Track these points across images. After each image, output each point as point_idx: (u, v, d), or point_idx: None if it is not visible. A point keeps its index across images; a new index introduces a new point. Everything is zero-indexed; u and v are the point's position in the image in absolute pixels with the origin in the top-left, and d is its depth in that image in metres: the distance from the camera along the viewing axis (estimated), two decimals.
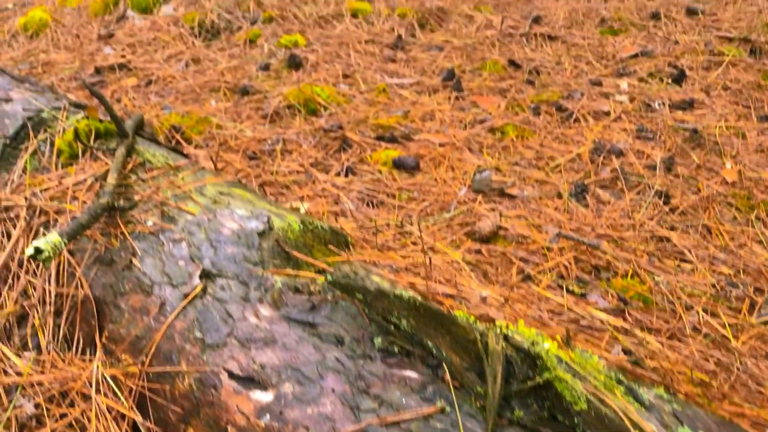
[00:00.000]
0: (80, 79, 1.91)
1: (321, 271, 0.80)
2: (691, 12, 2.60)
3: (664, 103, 1.86)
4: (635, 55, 2.25)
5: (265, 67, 2.00)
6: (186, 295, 0.75)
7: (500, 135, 1.66)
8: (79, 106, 1.15)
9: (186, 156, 1.10)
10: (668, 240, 1.23)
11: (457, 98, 1.89)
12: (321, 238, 0.89)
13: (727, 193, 1.42)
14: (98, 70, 2.02)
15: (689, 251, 1.19)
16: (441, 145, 1.58)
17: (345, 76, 1.99)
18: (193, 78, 1.94)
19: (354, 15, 2.41)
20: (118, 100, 1.81)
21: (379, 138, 1.61)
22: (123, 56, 2.14)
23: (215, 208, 0.88)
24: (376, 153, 1.52)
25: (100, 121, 1.07)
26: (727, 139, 1.67)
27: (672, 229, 1.27)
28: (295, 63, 2.01)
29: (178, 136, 1.55)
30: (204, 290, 0.75)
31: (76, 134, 1.04)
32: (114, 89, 1.88)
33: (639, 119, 1.77)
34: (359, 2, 2.48)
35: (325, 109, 1.78)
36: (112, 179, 0.91)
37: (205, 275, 0.77)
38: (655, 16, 2.57)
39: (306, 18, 2.35)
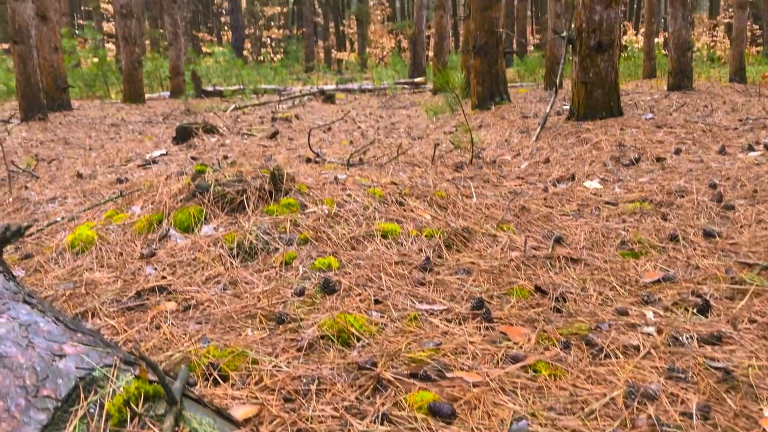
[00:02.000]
0: (123, 304, 1.98)
1: None
2: (708, 235, 2.70)
3: (692, 337, 1.88)
4: (658, 281, 2.31)
5: (300, 293, 2.07)
6: None
7: (533, 373, 1.67)
8: (129, 363, 1.19)
9: (229, 419, 1.12)
10: None
11: (487, 328, 1.92)
12: None
13: None
14: (139, 293, 2.10)
15: None
16: (475, 385, 1.59)
17: (377, 302, 2.05)
18: (231, 303, 2.01)
19: (384, 236, 2.53)
20: (158, 327, 1.87)
21: (413, 375, 1.63)
22: (163, 277, 2.23)
23: None
24: (411, 395, 1.52)
25: (150, 382, 1.11)
26: (761, 380, 1.67)
27: None
28: (328, 288, 2.08)
29: (215, 374, 1.58)
30: None
31: (126, 399, 1.07)
32: (154, 314, 1.95)
33: (669, 356, 1.79)
34: (388, 223, 2.61)
35: (359, 339, 1.82)
36: None
37: None
38: (674, 238, 2.67)
39: (339, 239, 2.46)
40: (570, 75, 5.35)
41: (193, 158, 4.70)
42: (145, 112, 11.09)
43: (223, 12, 34.52)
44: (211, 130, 5.33)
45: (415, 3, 17.81)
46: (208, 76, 20.39)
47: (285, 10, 35.21)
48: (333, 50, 37.96)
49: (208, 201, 2.65)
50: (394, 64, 22.31)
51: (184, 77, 14.32)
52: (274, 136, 5.46)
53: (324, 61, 38.34)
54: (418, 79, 18.12)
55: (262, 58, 28.03)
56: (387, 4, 37.22)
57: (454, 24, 35.06)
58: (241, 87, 16.42)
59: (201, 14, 39.02)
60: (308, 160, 4.16)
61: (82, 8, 33.64)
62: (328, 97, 12.34)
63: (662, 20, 26.64)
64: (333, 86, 17.86)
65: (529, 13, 32.97)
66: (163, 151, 4.98)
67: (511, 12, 25.59)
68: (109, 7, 28.23)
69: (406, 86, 17.78)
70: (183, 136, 5.23)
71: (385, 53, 34.73)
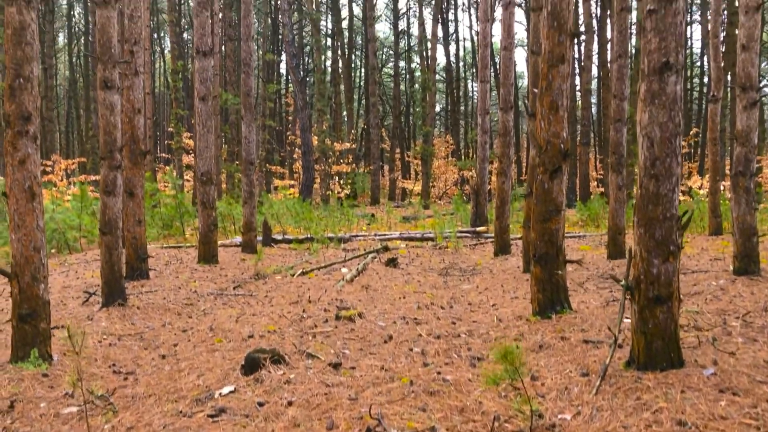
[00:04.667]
0: None
1: None
2: None
3: None
4: None
5: None
6: None
7: None
8: None
9: None
10: None
11: None
12: None
13: None
14: None
15: None
16: None
17: None
18: None
19: None
20: None
21: None
22: None
23: None
24: None
25: None
26: None
27: None
28: None
29: None
30: None
31: None
32: None
33: None
34: None
35: None
36: None
37: None
38: None
39: None
40: (630, 323, 5.41)
41: (260, 404, 4.90)
42: (217, 278, 11.62)
43: (296, 147, 36.38)
44: (277, 360, 5.58)
45: (478, 156, 18.41)
46: (277, 217, 21.30)
47: (354, 146, 36.87)
48: (398, 181, 39.12)
49: None
50: (457, 207, 22.79)
51: (256, 233, 15.01)
52: (336, 367, 5.66)
53: (389, 189, 39.53)
54: (479, 229, 18.46)
55: (329, 193, 29.19)
56: (451, 141, 38.53)
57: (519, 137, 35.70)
58: (309, 236, 17.07)
59: (275, 142, 41.18)
60: (368, 431, 4.30)
61: (166, 142, 36.12)
62: (391, 261, 12.67)
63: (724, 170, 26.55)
64: (396, 233, 18.35)
65: (591, 150, 33.40)
66: (232, 388, 5.22)
67: (574, 152, 26.05)
68: (190, 142, 30.20)
69: (467, 235, 18.11)
70: (251, 366, 5.49)
71: (448, 187, 35.60)
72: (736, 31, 10.06)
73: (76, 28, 48.63)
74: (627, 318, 7.19)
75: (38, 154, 6.25)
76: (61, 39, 56.01)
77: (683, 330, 6.74)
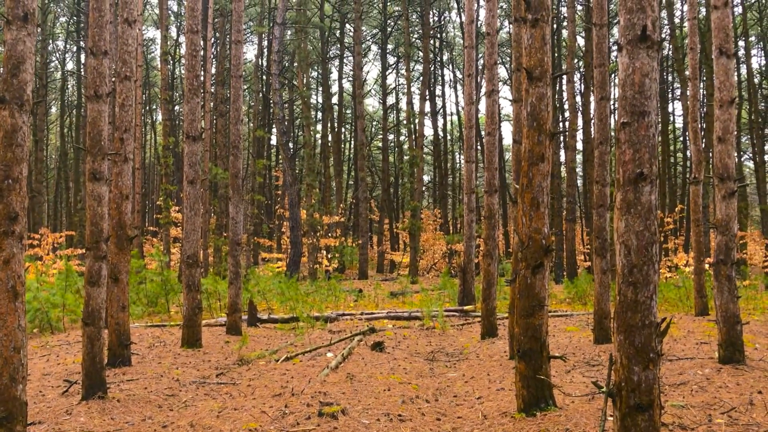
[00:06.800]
0: None
1: None
2: None
3: None
4: None
5: None
6: None
7: None
8: None
9: None
10: None
11: None
12: None
13: None
14: None
15: None
16: None
17: None
18: None
19: None
20: None
21: None
22: None
23: None
24: None
25: None
26: None
27: None
28: None
29: None
30: None
31: None
32: None
33: None
34: None
35: None
36: None
37: None
38: None
39: None
40: (613, 428, 5.39)
41: None
42: (200, 364, 11.46)
43: (284, 220, 36.54)
44: None
45: (465, 234, 18.55)
46: (263, 293, 21.18)
47: (342, 219, 37.14)
48: (386, 253, 39.21)
49: None
50: (444, 283, 22.79)
51: (241, 314, 14.91)
52: None
53: (377, 261, 39.54)
54: (467, 307, 18.44)
55: (317, 267, 29.16)
56: (439, 215, 38.88)
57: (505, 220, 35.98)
58: (295, 316, 16.98)
59: (264, 216, 41.33)
60: None
61: (155, 216, 36.23)
62: (377, 345, 12.58)
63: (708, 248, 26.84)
64: (384, 312, 18.27)
65: (578, 224, 33.72)
66: None
67: (560, 231, 26.30)
68: (179, 215, 30.30)
69: (455, 314, 18.07)
70: None
71: (436, 261, 35.69)
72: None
73: (69, 100, 49.35)
74: (611, 416, 7.13)
75: (23, 253, 6.27)
76: (54, 110, 56.74)
77: (668, 429, 6.69)
